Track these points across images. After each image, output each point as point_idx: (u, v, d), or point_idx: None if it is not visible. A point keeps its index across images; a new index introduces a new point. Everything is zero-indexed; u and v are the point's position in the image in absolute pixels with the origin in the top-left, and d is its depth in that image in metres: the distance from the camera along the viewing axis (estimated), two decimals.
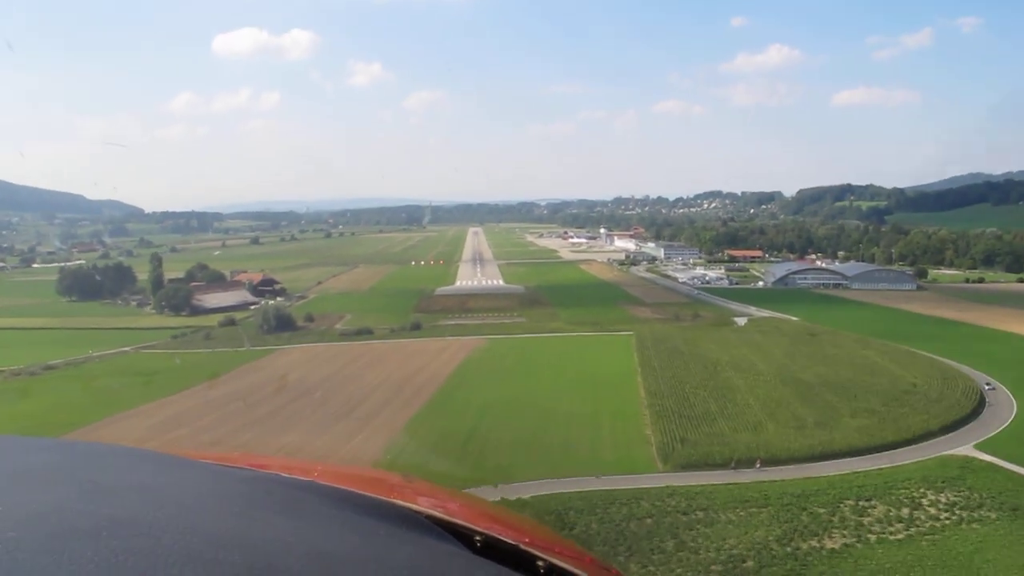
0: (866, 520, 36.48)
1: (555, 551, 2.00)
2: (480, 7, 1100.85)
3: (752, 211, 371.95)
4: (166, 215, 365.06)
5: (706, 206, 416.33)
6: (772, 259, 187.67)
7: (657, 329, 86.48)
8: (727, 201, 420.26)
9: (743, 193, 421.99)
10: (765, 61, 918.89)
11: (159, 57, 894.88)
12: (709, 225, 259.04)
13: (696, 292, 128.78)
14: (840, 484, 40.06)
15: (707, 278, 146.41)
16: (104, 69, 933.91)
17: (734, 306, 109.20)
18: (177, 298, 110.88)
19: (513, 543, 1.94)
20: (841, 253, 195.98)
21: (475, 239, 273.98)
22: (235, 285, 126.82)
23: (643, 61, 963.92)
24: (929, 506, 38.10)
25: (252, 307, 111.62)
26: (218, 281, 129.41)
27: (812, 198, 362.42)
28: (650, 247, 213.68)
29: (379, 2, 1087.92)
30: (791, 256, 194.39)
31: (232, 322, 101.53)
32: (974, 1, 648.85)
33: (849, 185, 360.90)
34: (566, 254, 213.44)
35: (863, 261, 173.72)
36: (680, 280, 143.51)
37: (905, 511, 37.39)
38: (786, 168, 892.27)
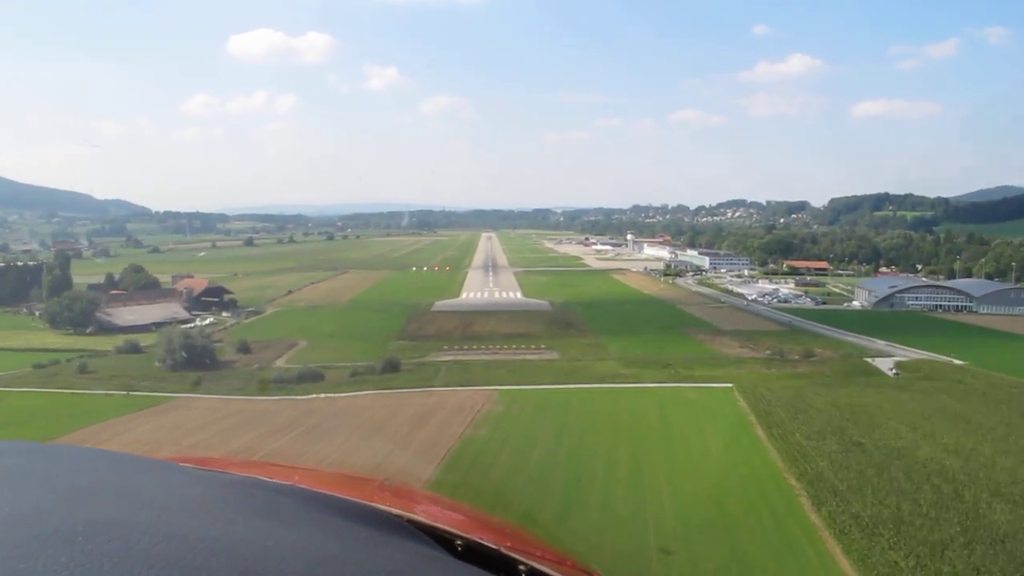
0: None
1: (537, 555, 2.01)
2: (497, 14, 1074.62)
3: (782, 220, 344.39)
4: (168, 215, 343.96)
5: (730, 215, 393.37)
6: (842, 272, 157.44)
7: (769, 380, 54.59)
8: (752, 210, 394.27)
9: (768, 202, 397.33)
10: (787, 70, 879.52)
11: (174, 58, 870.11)
12: (751, 232, 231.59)
13: (776, 313, 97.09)
14: None
15: (781, 294, 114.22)
16: (119, 70, 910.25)
17: (850, 337, 76.97)
18: (74, 310, 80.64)
19: (494, 547, 1.94)
20: (920, 266, 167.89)
21: (488, 243, 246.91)
22: (167, 295, 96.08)
23: (661, 69, 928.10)
24: None
25: (184, 325, 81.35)
26: (148, 289, 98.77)
27: (848, 207, 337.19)
28: (690, 255, 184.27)
29: (396, 6, 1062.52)
30: (860, 269, 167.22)
31: (136, 348, 71.21)
32: (1000, 11, 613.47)
33: (886, 194, 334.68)
34: (593, 262, 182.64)
35: (955, 276, 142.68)
36: (748, 297, 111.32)
37: None
38: (810, 177, 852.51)
